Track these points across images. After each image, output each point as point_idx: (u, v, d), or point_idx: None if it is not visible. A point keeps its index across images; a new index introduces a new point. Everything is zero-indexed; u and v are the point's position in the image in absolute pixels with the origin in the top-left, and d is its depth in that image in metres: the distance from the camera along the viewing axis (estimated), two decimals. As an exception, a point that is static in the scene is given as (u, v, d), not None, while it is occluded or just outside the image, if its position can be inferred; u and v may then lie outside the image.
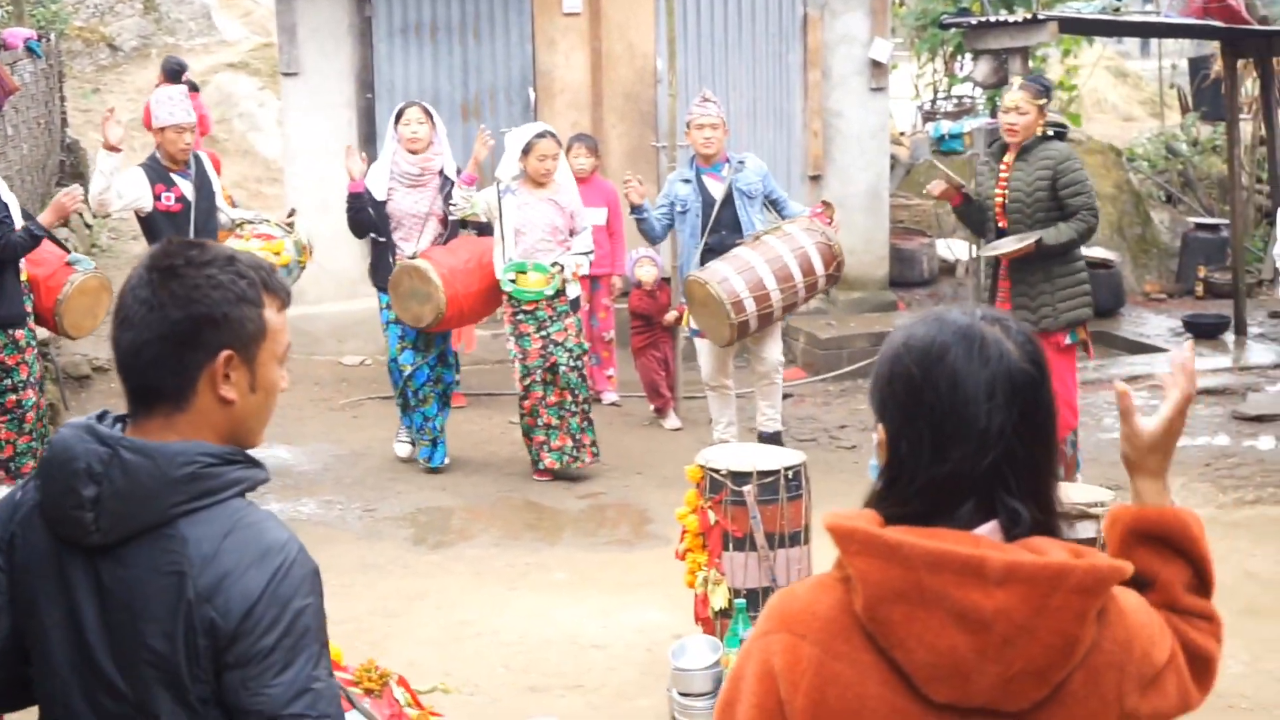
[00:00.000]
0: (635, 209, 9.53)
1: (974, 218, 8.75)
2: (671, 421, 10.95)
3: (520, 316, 9.36)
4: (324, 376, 12.21)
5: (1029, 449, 2.17)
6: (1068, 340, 8.57)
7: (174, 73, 15.55)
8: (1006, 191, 8.48)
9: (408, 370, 9.58)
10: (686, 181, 9.61)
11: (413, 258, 9.28)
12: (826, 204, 9.51)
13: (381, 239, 9.56)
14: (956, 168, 15.79)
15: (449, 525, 8.88)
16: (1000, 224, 8.54)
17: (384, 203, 9.49)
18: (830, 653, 2.15)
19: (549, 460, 9.45)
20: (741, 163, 9.56)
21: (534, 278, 9.30)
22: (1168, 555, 2.44)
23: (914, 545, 2.08)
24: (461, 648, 6.90)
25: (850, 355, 12.49)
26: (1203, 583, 2.45)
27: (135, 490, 2.40)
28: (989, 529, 2.14)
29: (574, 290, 9.58)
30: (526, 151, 9.37)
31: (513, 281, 9.29)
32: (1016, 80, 8.62)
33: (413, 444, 9.93)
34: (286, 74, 13.07)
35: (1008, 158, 8.56)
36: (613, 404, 11.39)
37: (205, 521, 2.43)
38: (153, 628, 2.40)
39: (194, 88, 16.01)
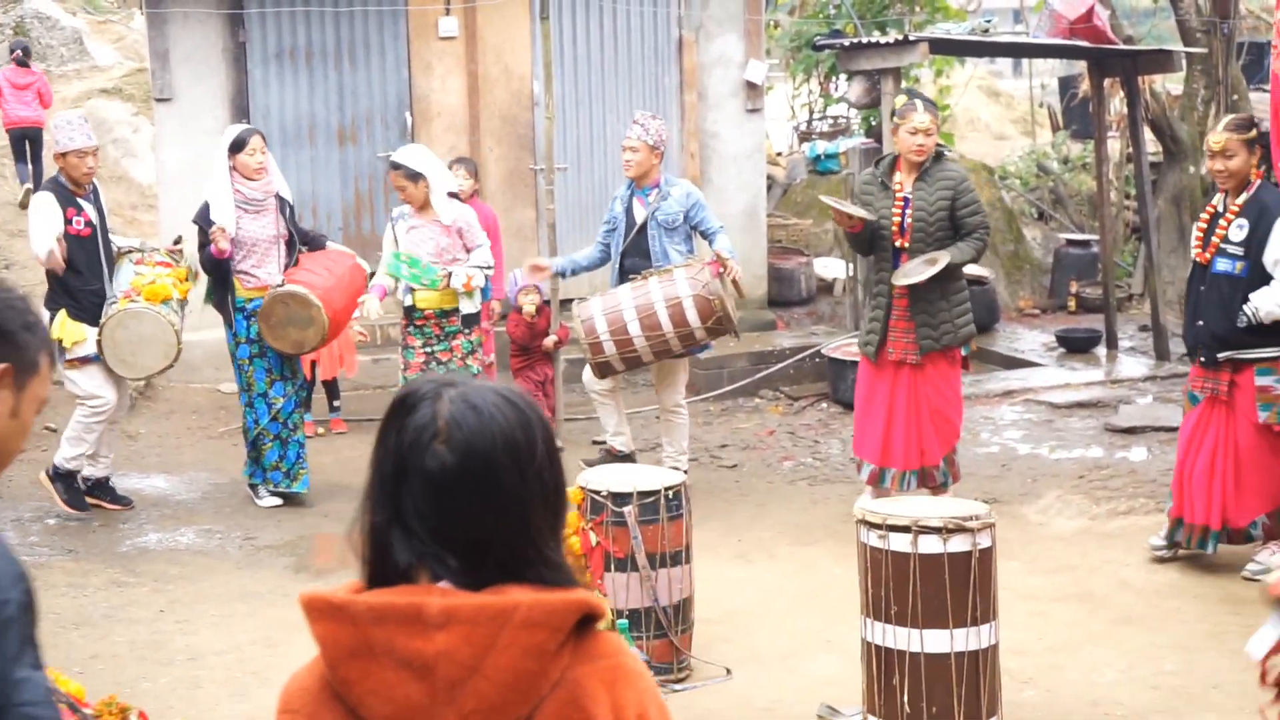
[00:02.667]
0: (561, 274, 9.72)
1: (864, 241, 8.80)
2: None
3: (410, 329, 9.35)
4: (202, 404, 12.10)
5: (450, 521, 2.15)
6: (963, 353, 8.74)
7: (21, 59, 17.10)
8: (908, 211, 8.55)
9: (279, 402, 9.45)
10: (620, 199, 9.67)
11: (280, 286, 9.19)
12: (721, 259, 9.33)
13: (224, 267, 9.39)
14: (831, 187, 15.97)
15: (332, 551, 8.83)
16: (897, 243, 8.60)
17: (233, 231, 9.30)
18: None
19: None
20: (668, 192, 9.53)
21: (424, 294, 9.27)
22: None
23: (358, 602, 2.10)
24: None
25: (731, 375, 12.57)
26: None
27: None
28: (446, 584, 2.14)
29: (468, 305, 9.51)
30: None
31: (411, 291, 9.27)
32: (916, 101, 8.63)
33: (289, 478, 9.66)
34: (160, 99, 12.94)
35: (901, 178, 8.63)
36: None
37: None
38: None
39: (26, 53, 16.65)
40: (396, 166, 9.48)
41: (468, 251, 9.42)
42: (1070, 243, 16.64)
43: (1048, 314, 15.91)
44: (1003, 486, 9.77)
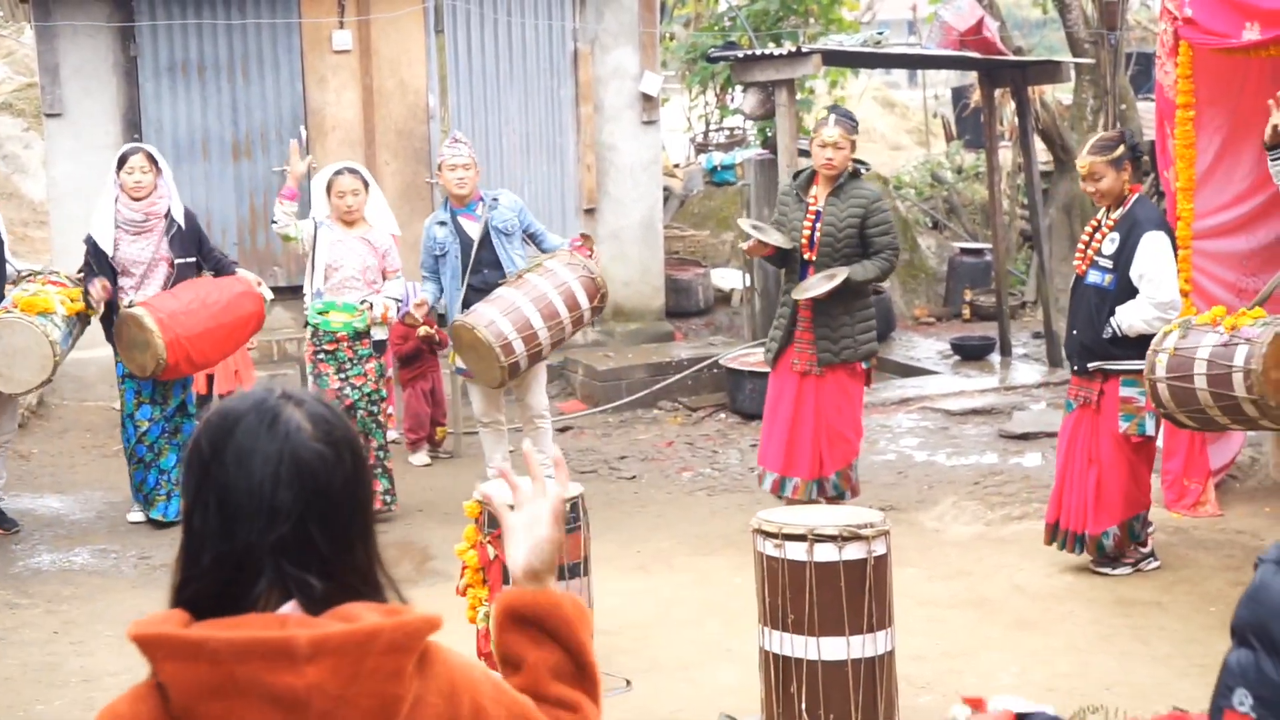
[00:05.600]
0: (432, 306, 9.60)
1: (778, 260, 8.92)
2: (419, 458, 10.96)
3: (321, 355, 9.28)
4: (96, 423, 11.97)
5: (323, 525, 2.15)
6: (864, 368, 8.85)
7: None
8: (818, 225, 8.65)
9: (145, 426, 9.32)
10: (442, 224, 9.50)
11: (129, 306, 9.01)
12: (585, 236, 9.52)
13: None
14: (728, 198, 16.07)
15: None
16: (806, 256, 8.71)
17: (111, 253, 9.21)
18: None
19: None
20: (495, 200, 9.50)
21: (338, 315, 9.23)
22: (539, 639, 2.42)
23: (219, 639, 2.04)
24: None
25: (629, 386, 12.60)
26: (579, 670, 2.43)
27: None
28: (291, 607, 2.12)
29: (380, 333, 9.49)
30: (328, 190, 9.37)
31: (321, 314, 9.22)
32: (830, 116, 8.75)
33: (147, 503, 9.52)
34: (50, 115, 12.80)
35: (816, 191, 8.73)
36: (393, 441, 11.33)
37: None
38: None
39: None
40: (354, 171, 9.45)
41: (385, 275, 9.43)
42: (964, 252, 16.82)
43: (943, 322, 16.08)
44: (899, 494, 9.86)
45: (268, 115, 13.14)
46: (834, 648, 5.67)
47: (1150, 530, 8.09)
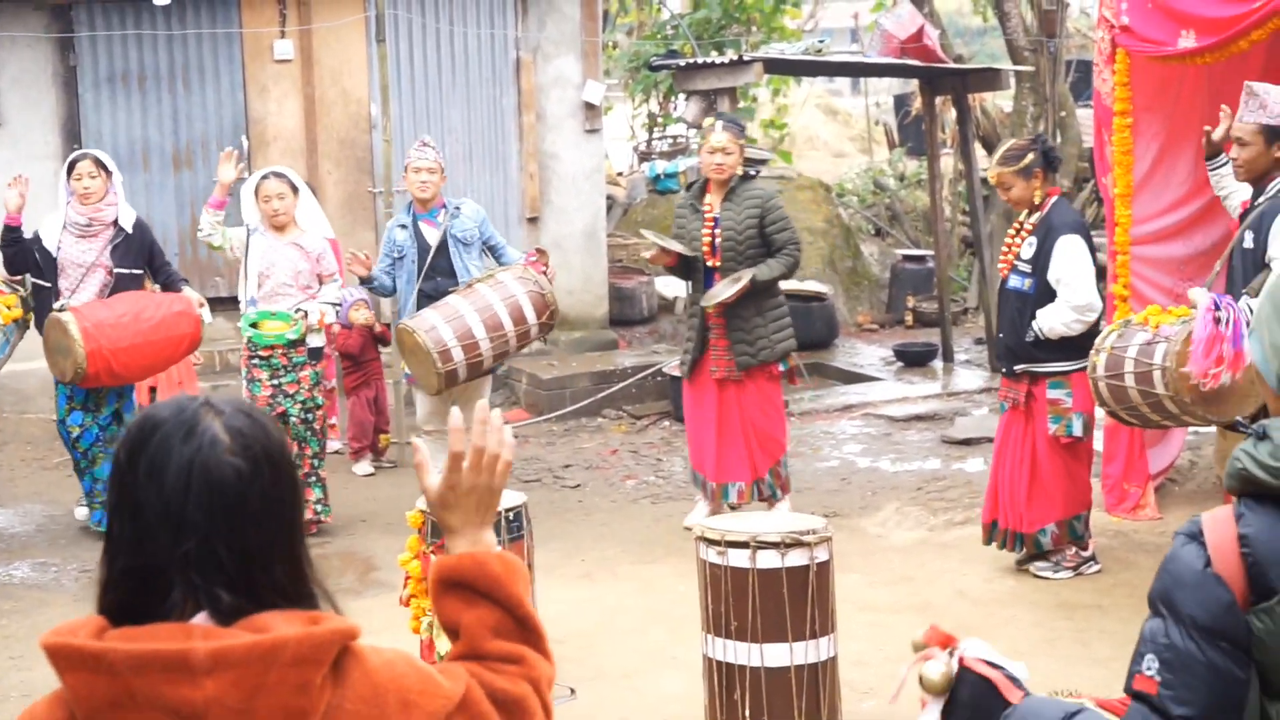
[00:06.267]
0: (364, 280, 9.49)
1: (680, 270, 9.03)
2: (362, 467, 10.93)
3: (255, 361, 9.23)
4: (36, 435, 11.88)
5: (234, 542, 2.10)
6: (781, 368, 8.91)
7: None
8: (717, 231, 8.73)
9: (76, 432, 9.24)
10: (403, 227, 9.51)
11: (60, 310, 8.89)
12: (541, 251, 9.51)
13: (45, 285, 9.21)
14: (671, 207, 16.07)
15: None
16: (710, 263, 8.77)
17: (54, 252, 9.17)
18: None
19: None
20: (458, 209, 9.51)
21: (272, 325, 9.18)
22: (472, 600, 2.38)
23: (117, 651, 2.01)
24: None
25: (573, 395, 12.60)
26: (519, 624, 2.40)
27: None
28: (202, 617, 2.08)
29: (317, 340, 9.45)
30: (256, 194, 9.32)
31: (253, 326, 9.17)
32: (717, 122, 8.86)
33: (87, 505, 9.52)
34: (-12, 125, 12.72)
35: (710, 198, 8.82)
36: (335, 451, 11.31)
37: None
38: None
39: None
40: (280, 175, 9.40)
41: (320, 280, 9.37)
42: (907, 258, 16.91)
43: (886, 329, 16.15)
44: (842, 500, 9.89)
45: (209, 125, 13.08)
46: (777, 654, 5.68)
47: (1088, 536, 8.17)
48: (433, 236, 9.41)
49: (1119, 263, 9.04)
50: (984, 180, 16.06)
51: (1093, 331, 7.77)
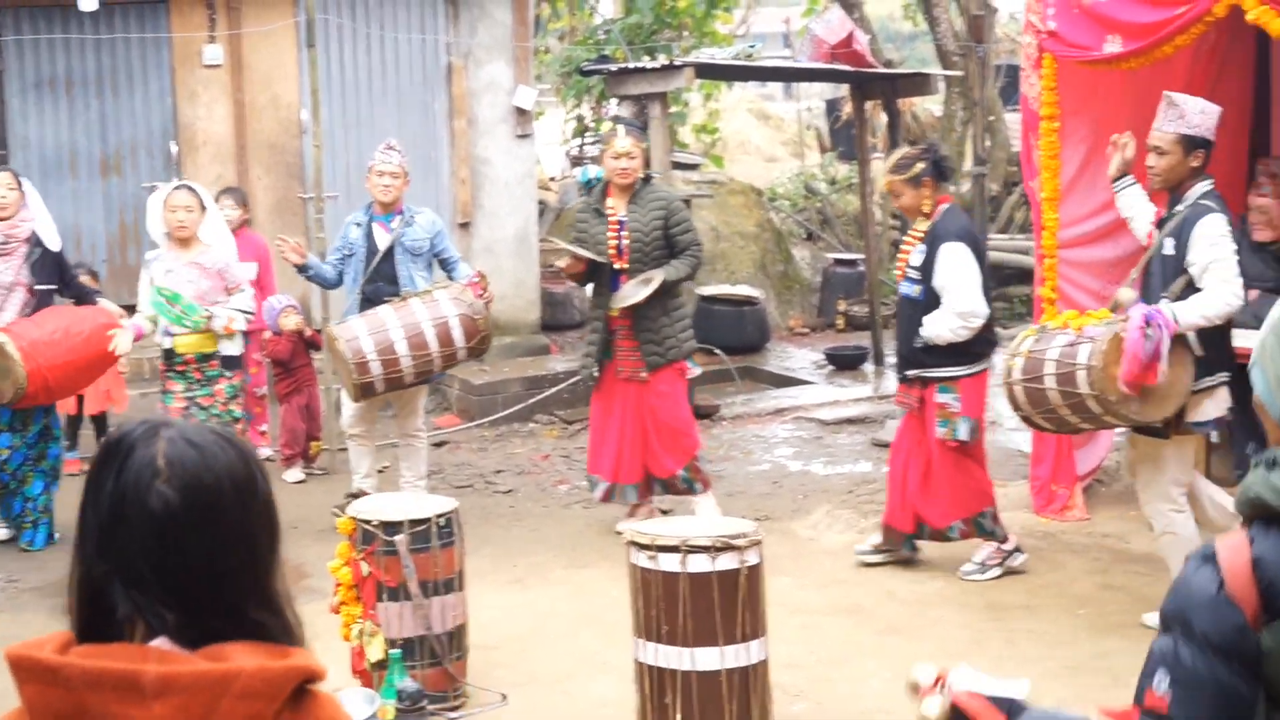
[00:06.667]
0: (300, 268, 9.44)
1: (586, 276, 9.10)
2: (293, 474, 10.88)
3: (170, 373, 9.15)
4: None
5: (169, 565, 2.09)
6: (689, 366, 9.09)
7: None
8: (624, 234, 8.80)
9: (5, 454, 9.11)
10: (358, 225, 9.50)
11: None
12: (482, 275, 9.46)
13: None
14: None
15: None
16: (617, 265, 8.84)
17: None
18: None
19: None
20: (413, 218, 9.47)
21: (185, 337, 9.08)
22: None
23: (73, 665, 2.03)
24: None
25: (505, 400, 12.59)
26: None
27: None
28: (162, 641, 2.09)
29: (234, 347, 9.37)
30: (165, 205, 9.22)
31: (170, 335, 9.07)
32: (619, 127, 8.95)
33: (17, 528, 9.37)
34: (-88, 131, 12.60)
35: (613, 201, 8.92)
36: (267, 459, 11.24)
37: None
38: None
39: None
40: (191, 189, 9.31)
41: (228, 293, 9.26)
42: (838, 262, 16.97)
43: (817, 332, 16.21)
44: (774, 503, 9.93)
45: (137, 131, 13.00)
46: (708, 658, 5.70)
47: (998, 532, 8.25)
48: (383, 240, 9.39)
49: (1047, 266, 9.12)
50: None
51: (982, 338, 8.01)
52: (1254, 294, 8.87)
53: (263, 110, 13.16)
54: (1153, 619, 7.61)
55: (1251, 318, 8.80)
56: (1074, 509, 9.20)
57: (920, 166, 8.01)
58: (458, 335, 8.98)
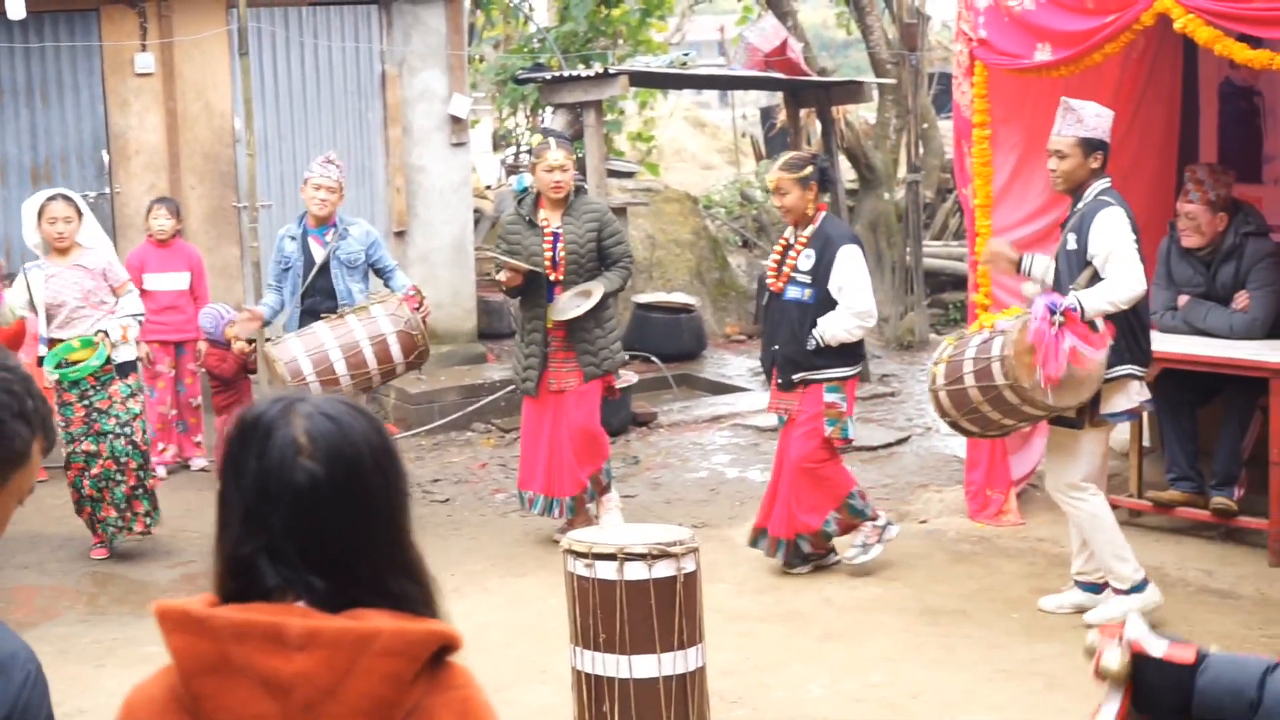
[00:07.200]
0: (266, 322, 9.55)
1: (521, 288, 9.04)
2: None
3: (63, 385, 9.01)
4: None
5: (316, 538, 2.17)
6: (615, 378, 9.22)
7: None
8: (560, 246, 8.81)
9: None
10: (293, 239, 9.48)
11: None
12: (417, 289, 9.45)
13: None
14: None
15: (34, 604, 8.56)
16: (552, 277, 8.84)
17: None
18: None
19: (99, 531, 9.14)
20: (347, 230, 9.46)
21: (80, 354, 8.99)
22: None
23: (219, 616, 2.11)
24: (47, 730, 6.66)
25: (442, 409, 12.56)
26: None
27: None
28: (305, 602, 2.16)
29: (128, 353, 9.29)
30: (40, 216, 9.13)
31: (58, 368, 8.94)
32: (550, 140, 8.96)
33: None
34: None
35: (545, 213, 8.93)
36: (202, 469, 11.19)
37: None
38: None
39: None
40: (67, 198, 9.23)
41: (114, 293, 9.20)
42: (774, 269, 16.97)
43: (754, 339, 16.19)
44: (711, 510, 9.95)
45: (68, 140, 12.89)
46: (645, 665, 5.71)
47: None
48: (319, 254, 9.38)
49: (980, 272, 9.19)
50: (849, 191, 16.29)
51: (861, 340, 8.31)
52: (1183, 299, 9.00)
53: (195, 119, 13.08)
54: (1050, 602, 7.74)
55: (1181, 322, 8.94)
56: (1009, 513, 9.27)
57: (810, 169, 8.20)
58: (396, 352, 8.98)
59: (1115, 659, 2.85)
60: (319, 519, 2.17)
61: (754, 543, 8.53)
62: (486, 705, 2.25)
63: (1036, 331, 6.98)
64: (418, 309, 9.15)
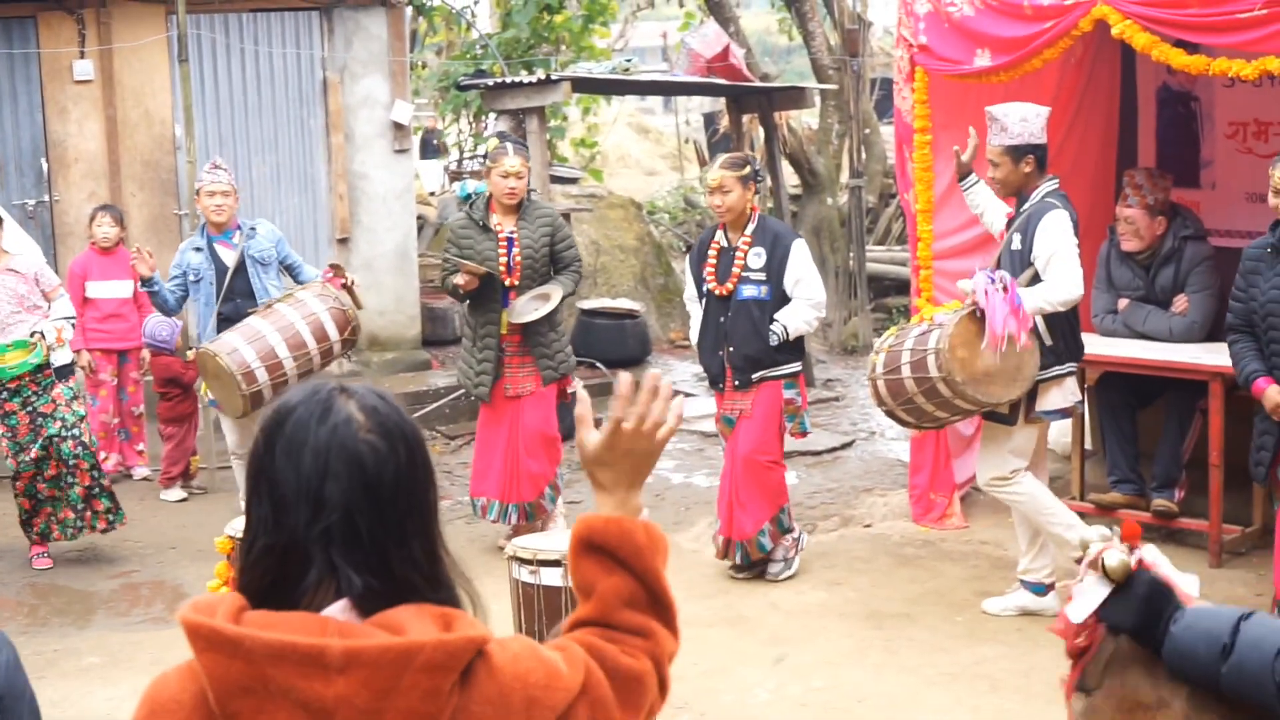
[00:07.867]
0: (145, 281, 9.26)
1: (470, 293, 8.99)
2: (174, 494, 10.74)
3: (4, 395, 8.95)
4: None
5: (372, 518, 2.16)
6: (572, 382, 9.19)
7: None
8: (515, 250, 8.81)
9: None
10: (198, 250, 9.39)
11: None
12: (335, 266, 9.39)
13: None
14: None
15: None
16: (506, 282, 8.82)
17: None
18: None
19: (57, 534, 9.08)
20: (253, 229, 9.42)
21: (14, 355, 8.92)
22: (611, 567, 2.40)
23: (255, 639, 2.05)
24: (-13, 743, 6.60)
25: (386, 416, 12.50)
26: (652, 597, 2.42)
27: None
28: (339, 608, 2.13)
29: (65, 356, 9.23)
30: None
31: None
32: (507, 145, 8.95)
33: None
34: None
35: (498, 218, 8.92)
36: (144, 478, 11.12)
37: None
38: None
39: None
40: None
41: (46, 298, 9.15)
42: (718, 275, 17.01)
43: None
44: (657, 515, 9.94)
45: (6, 148, 12.78)
46: (591, 671, 5.69)
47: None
48: (229, 258, 9.31)
49: (922, 277, 9.24)
50: (792, 196, 16.33)
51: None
52: (1124, 303, 9.07)
53: (135, 126, 13.00)
54: (993, 604, 7.78)
55: (1121, 326, 9.01)
56: (952, 517, 9.32)
57: (749, 168, 8.30)
58: (331, 329, 8.92)
59: (1118, 558, 2.97)
60: (378, 493, 2.16)
61: (726, 555, 8.50)
62: (512, 667, 2.17)
63: (982, 293, 7.15)
64: (344, 286, 9.10)
